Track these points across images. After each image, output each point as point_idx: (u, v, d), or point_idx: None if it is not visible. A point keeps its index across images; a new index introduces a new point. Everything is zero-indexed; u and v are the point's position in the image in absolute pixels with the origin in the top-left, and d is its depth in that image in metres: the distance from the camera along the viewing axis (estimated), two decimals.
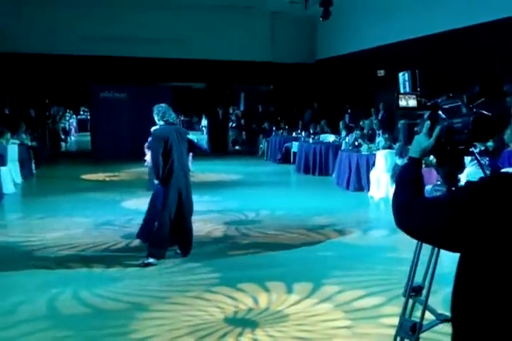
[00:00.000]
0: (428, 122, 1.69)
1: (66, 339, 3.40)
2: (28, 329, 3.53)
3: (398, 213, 1.46)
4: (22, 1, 13.44)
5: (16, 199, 8.77)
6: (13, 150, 9.69)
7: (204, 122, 23.61)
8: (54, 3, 13.85)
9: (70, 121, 22.70)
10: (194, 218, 7.03)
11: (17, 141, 10.50)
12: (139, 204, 7.97)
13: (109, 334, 3.48)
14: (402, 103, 2.02)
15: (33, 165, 11.22)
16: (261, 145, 15.79)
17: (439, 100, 1.95)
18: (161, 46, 14.38)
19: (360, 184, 9.15)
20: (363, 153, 9.33)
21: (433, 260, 2.21)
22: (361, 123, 11.62)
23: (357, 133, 10.63)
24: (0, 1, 12.91)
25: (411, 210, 1.40)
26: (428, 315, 2.25)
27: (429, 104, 1.98)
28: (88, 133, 17.73)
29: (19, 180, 9.85)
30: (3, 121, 12.45)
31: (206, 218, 6.89)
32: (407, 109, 1.99)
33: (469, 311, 1.29)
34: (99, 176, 11.13)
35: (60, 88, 18.18)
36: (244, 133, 18.49)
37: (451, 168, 1.92)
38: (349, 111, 14.11)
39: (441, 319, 2.12)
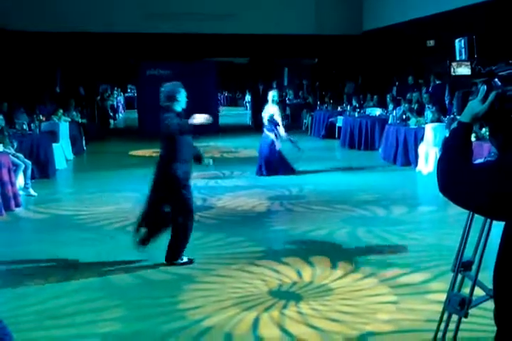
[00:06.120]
0: (484, 87, 1.60)
1: (116, 308, 3.54)
2: (80, 297, 3.69)
3: (444, 178, 1.40)
4: None
5: (67, 175, 9.10)
6: (64, 127, 10.00)
7: (247, 98, 23.57)
8: None
9: (118, 98, 23.15)
10: (239, 193, 7.15)
11: (68, 119, 10.83)
12: None
13: (157, 304, 3.60)
14: (455, 71, 1.92)
15: (84, 142, 11.56)
16: (305, 120, 15.62)
17: (495, 67, 1.84)
18: (204, 22, 14.30)
19: (408, 159, 8.93)
20: (411, 126, 9.06)
21: (484, 235, 2.14)
22: (408, 95, 11.23)
23: (405, 106, 10.30)
24: None
25: (458, 175, 1.34)
26: (477, 291, 2.19)
27: (483, 71, 1.87)
28: (135, 111, 18.07)
29: (71, 156, 10.20)
30: (55, 99, 12.85)
31: (250, 193, 6.93)
32: (460, 77, 1.89)
33: None
34: (146, 152, 11.37)
35: (107, 66, 18.51)
36: (288, 108, 18.32)
37: (504, 138, 1.82)
38: (397, 83, 13.65)
39: (492, 295, 2.05)
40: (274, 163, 8.24)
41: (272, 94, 8.37)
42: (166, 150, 4.30)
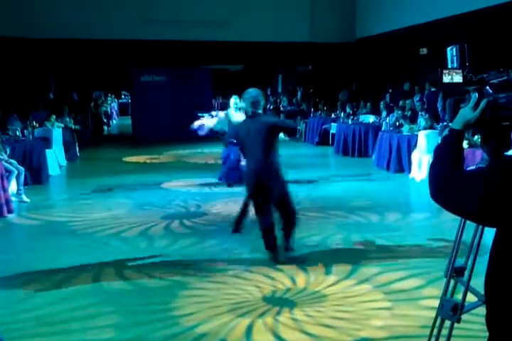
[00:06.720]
0: (476, 95, 1.62)
1: (110, 314, 3.52)
2: (74, 304, 3.68)
3: (435, 185, 1.42)
4: None
5: (60, 181, 9.07)
6: (58, 133, 9.99)
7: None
8: None
9: (112, 105, 23.13)
10: (233, 199, 7.14)
11: (61, 125, 10.81)
12: (179, 185, 8.11)
13: (152, 311, 3.58)
14: (447, 79, 1.95)
15: (77, 148, 11.54)
16: (299, 127, 15.67)
17: (486, 75, 1.87)
18: (199, 29, 14.36)
19: (401, 165, 8.98)
20: (404, 133, 9.12)
21: (476, 241, 2.16)
22: (401, 102, 11.32)
23: (398, 113, 10.37)
24: None
25: (449, 182, 1.36)
26: (470, 297, 2.20)
27: (475, 79, 1.90)
28: (129, 117, 18.07)
29: (64, 162, 10.17)
30: (48, 105, 12.83)
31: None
32: (452, 84, 1.92)
33: (504, 291, 1.25)
34: (140, 158, 11.35)
35: (101, 72, 18.51)
36: (282, 115, 18.38)
37: (496, 145, 1.84)
38: (390, 90, 13.75)
39: (484, 300, 2.07)
40: (240, 172, 8.06)
41: (234, 102, 7.38)
42: (268, 148, 4.36)
